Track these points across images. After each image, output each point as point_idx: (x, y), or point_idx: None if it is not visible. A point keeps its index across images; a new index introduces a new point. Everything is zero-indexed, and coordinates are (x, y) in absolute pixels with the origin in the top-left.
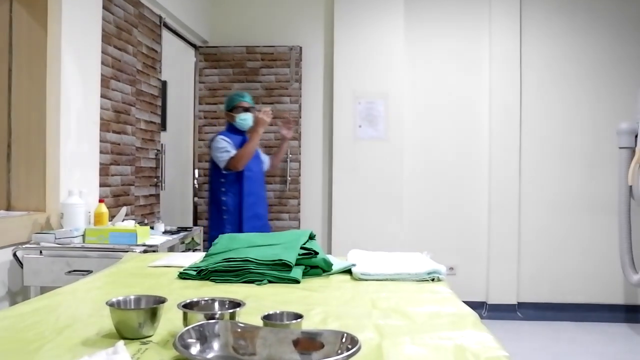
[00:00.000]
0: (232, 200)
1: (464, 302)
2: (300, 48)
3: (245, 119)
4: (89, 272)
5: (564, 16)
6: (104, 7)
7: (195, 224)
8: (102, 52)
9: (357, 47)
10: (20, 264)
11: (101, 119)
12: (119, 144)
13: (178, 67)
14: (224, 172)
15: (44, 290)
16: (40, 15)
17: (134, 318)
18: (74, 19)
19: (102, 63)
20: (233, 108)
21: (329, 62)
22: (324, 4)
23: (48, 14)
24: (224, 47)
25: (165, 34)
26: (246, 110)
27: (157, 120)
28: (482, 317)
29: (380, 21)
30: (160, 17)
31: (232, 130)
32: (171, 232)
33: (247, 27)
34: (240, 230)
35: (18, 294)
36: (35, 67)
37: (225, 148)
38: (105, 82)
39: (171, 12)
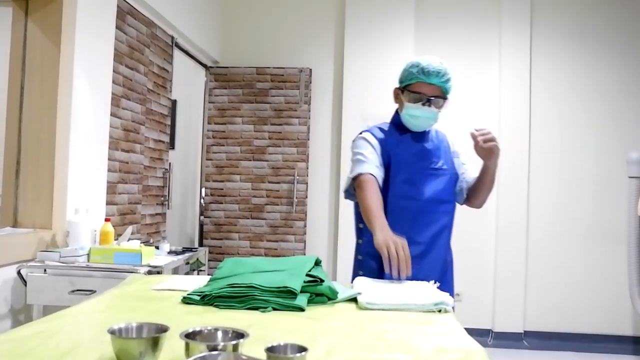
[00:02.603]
0: (368, 246)
1: (469, 329)
2: (310, 70)
3: (415, 117)
4: (93, 291)
5: (574, 44)
6: (117, 27)
7: (201, 244)
8: (114, 71)
9: (367, 70)
10: (24, 282)
11: (110, 137)
12: (127, 163)
13: (188, 86)
14: (350, 196)
15: (46, 308)
16: (54, 35)
17: (135, 347)
18: (87, 38)
19: (113, 82)
20: (406, 87)
21: (338, 84)
22: (334, 27)
23: (62, 33)
24: (234, 67)
25: (177, 54)
26: (428, 101)
27: (166, 139)
28: (487, 345)
29: (390, 44)
30: (172, 37)
31: (398, 122)
32: (176, 253)
33: (257, 48)
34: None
35: (20, 312)
36: (47, 85)
37: (361, 153)
38: (115, 100)
39: (183, 33)
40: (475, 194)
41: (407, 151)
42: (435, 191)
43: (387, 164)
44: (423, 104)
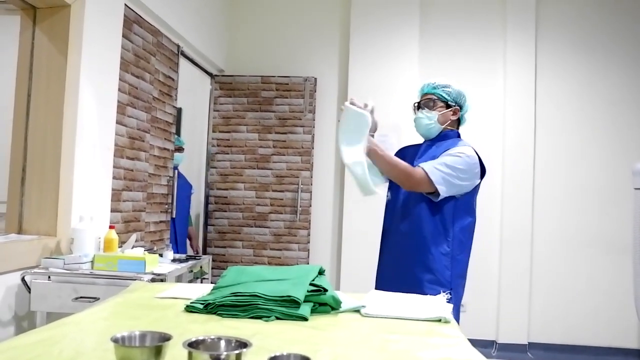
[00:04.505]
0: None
1: (473, 340)
2: (315, 79)
3: (414, 120)
4: (96, 299)
5: (579, 54)
6: (123, 36)
7: (204, 252)
8: (120, 79)
9: (371, 80)
10: (28, 289)
11: (115, 145)
12: (132, 170)
13: (193, 94)
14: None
15: (50, 315)
16: (61, 43)
17: (138, 355)
18: (94, 47)
19: (119, 90)
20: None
21: (343, 93)
22: (339, 36)
23: (69, 42)
24: (240, 76)
25: (182, 62)
26: (419, 106)
27: (171, 146)
28: (491, 357)
29: (395, 54)
30: (178, 46)
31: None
32: (180, 260)
33: (262, 57)
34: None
35: (24, 319)
36: (53, 93)
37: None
38: (121, 108)
39: (189, 41)
40: None
41: (399, 155)
42: (409, 193)
43: None
44: (417, 109)
